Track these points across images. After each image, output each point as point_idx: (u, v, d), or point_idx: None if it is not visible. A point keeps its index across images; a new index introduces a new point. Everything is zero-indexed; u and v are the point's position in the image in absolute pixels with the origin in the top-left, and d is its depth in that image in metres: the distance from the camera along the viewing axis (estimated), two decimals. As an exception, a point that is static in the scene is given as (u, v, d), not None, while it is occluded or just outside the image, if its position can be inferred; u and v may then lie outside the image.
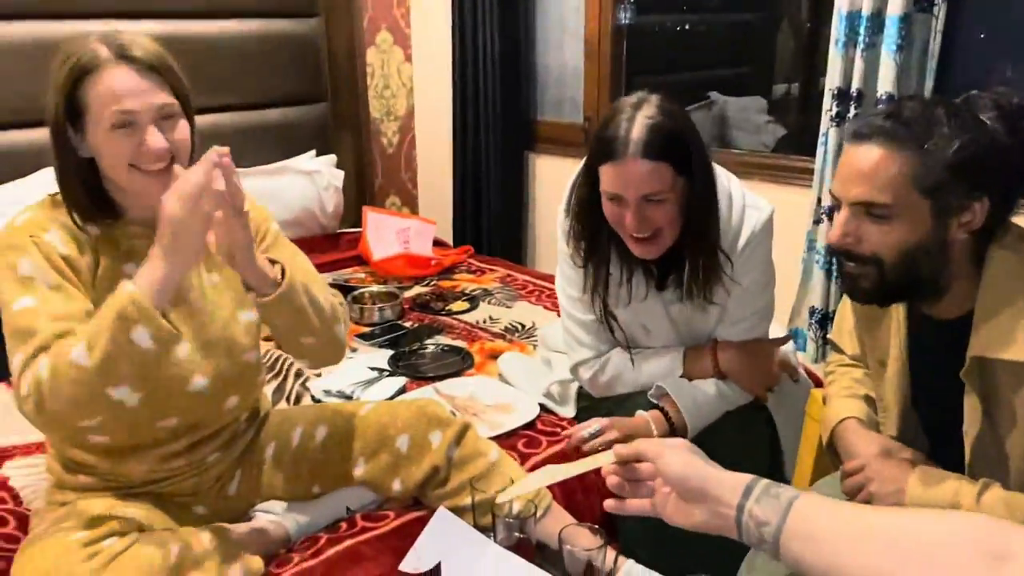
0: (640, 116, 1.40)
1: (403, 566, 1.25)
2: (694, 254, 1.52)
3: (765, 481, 0.88)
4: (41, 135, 1.27)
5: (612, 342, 1.66)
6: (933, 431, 1.28)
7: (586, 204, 1.52)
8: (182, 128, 1.24)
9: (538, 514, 1.40)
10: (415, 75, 3.59)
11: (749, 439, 1.65)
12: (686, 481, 0.91)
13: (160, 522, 1.29)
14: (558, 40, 3.21)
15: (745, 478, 0.89)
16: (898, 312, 1.26)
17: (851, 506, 0.85)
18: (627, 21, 3.04)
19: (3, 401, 1.91)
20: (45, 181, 2.08)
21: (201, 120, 3.03)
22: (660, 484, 0.95)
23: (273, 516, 1.45)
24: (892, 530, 0.78)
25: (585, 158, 1.52)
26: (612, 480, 0.99)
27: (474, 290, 2.64)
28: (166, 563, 1.20)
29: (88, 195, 1.25)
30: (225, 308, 1.36)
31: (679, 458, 0.93)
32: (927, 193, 1.09)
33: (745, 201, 1.57)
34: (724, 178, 1.55)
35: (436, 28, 3.36)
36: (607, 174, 1.43)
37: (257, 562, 1.31)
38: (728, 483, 0.89)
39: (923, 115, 1.10)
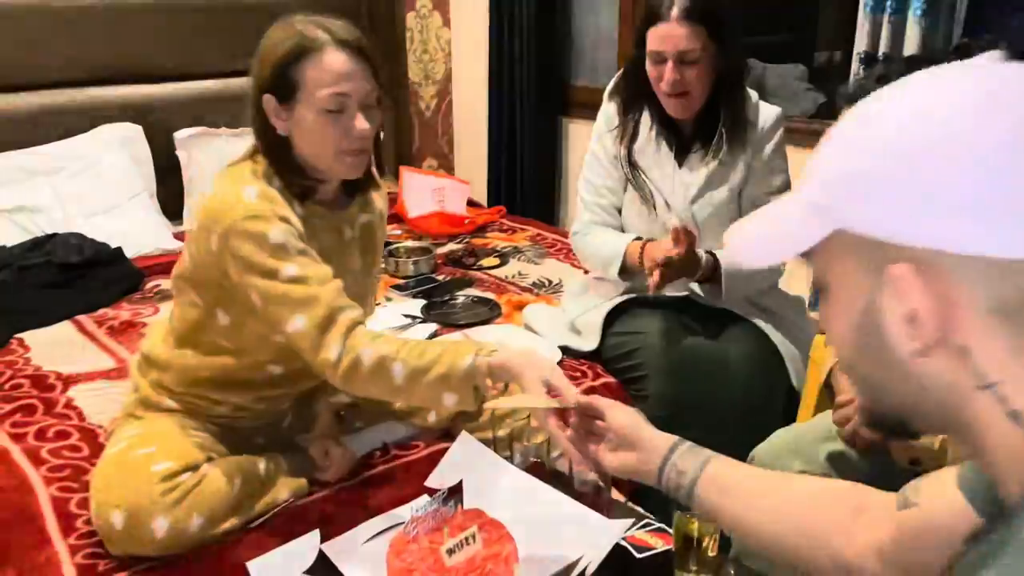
0: None
1: (428, 482, 1.38)
2: (722, 119, 1.76)
3: (689, 443, 1.02)
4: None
5: (614, 218, 1.92)
6: None
7: (632, 66, 1.79)
8: (378, 116, 1.33)
9: (552, 453, 1.51)
10: (453, 40, 3.67)
11: (768, 382, 1.78)
12: (626, 429, 1.06)
13: (226, 449, 1.42)
14: (593, 4, 3.26)
15: (673, 438, 1.03)
16: None
17: (754, 469, 1.05)
18: (662, -14, 3.08)
19: (68, 337, 2.08)
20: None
21: (243, 80, 3.21)
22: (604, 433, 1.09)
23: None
24: (782, 490, 0.96)
25: (637, 26, 1.78)
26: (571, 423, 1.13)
27: (505, 247, 2.74)
28: (231, 493, 1.33)
29: (292, 173, 1.32)
30: (364, 285, 1.52)
31: (625, 413, 1.09)
32: None
33: (760, 104, 1.84)
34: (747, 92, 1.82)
35: (474, -7, 3.44)
36: (652, 35, 1.70)
37: (302, 483, 1.44)
38: (660, 439, 1.04)
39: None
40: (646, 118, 1.84)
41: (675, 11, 1.67)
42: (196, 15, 3.01)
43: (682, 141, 1.84)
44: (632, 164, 1.86)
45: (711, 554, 1.19)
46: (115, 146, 2.78)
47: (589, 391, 1.80)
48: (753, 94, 1.85)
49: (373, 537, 1.29)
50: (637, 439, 1.05)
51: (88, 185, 2.67)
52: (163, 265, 2.52)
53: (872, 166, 0.55)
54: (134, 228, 2.65)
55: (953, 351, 0.54)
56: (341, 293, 1.28)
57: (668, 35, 1.68)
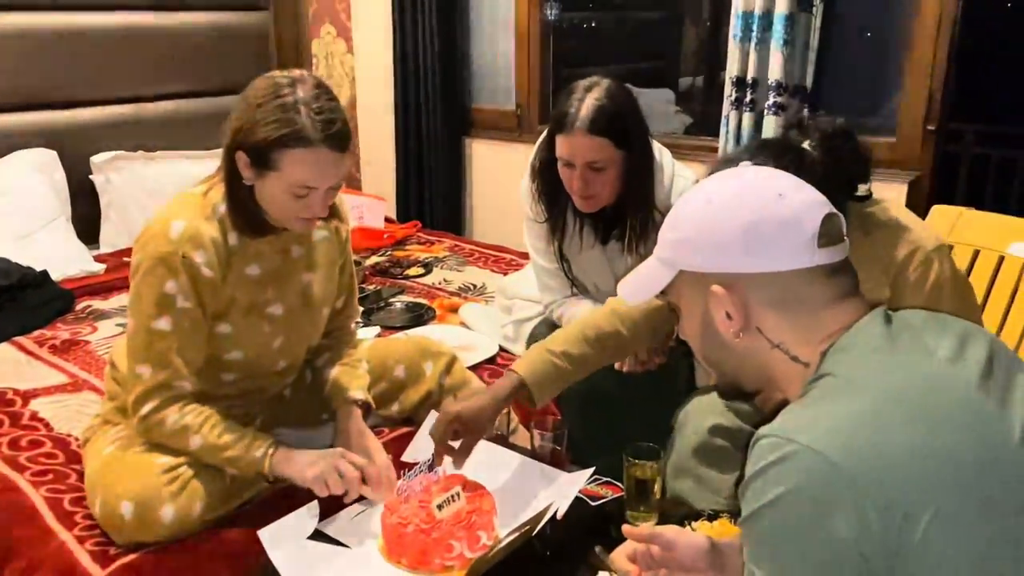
0: (589, 97, 1.69)
1: (404, 457, 1.53)
2: (632, 211, 1.82)
3: None
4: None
5: (573, 287, 1.95)
6: None
7: (547, 165, 1.81)
8: (341, 187, 1.42)
9: (509, 429, 1.70)
10: (356, 66, 3.80)
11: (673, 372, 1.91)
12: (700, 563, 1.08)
13: None
14: (492, 33, 3.48)
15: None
16: None
17: None
18: (553, 17, 3.35)
19: (11, 357, 2.08)
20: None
21: (159, 107, 3.26)
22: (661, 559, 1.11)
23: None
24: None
25: (547, 129, 1.81)
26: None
27: (427, 258, 2.90)
28: (225, 481, 1.43)
29: (247, 217, 1.41)
30: (317, 304, 1.58)
31: (694, 545, 1.09)
32: None
33: (675, 171, 1.89)
34: (658, 152, 1.86)
35: (376, 21, 3.58)
36: (560, 143, 1.72)
37: None
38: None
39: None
40: (570, 209, 1.86)
41: (580, 123, 1.66)
42: (110, 40, 3.02)
43: (604, 227, 1.87)
44: (563, 258, 1.90)
45: (656, 495, 1.41)
46: (30, 172, 2.75)
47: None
48: (667, 165, 1.86)
49: (361, 512, 1.43)
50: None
51: (3, 211, 2.63)
52: (91, 287, 2.54)
53: (692, 235, 0.94)
54: (53, 253, 2.63)
55: (753, 331, 0.92)
56: (187, 364, 1.41)
57: (574, 145, 1.68)
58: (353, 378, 1.61)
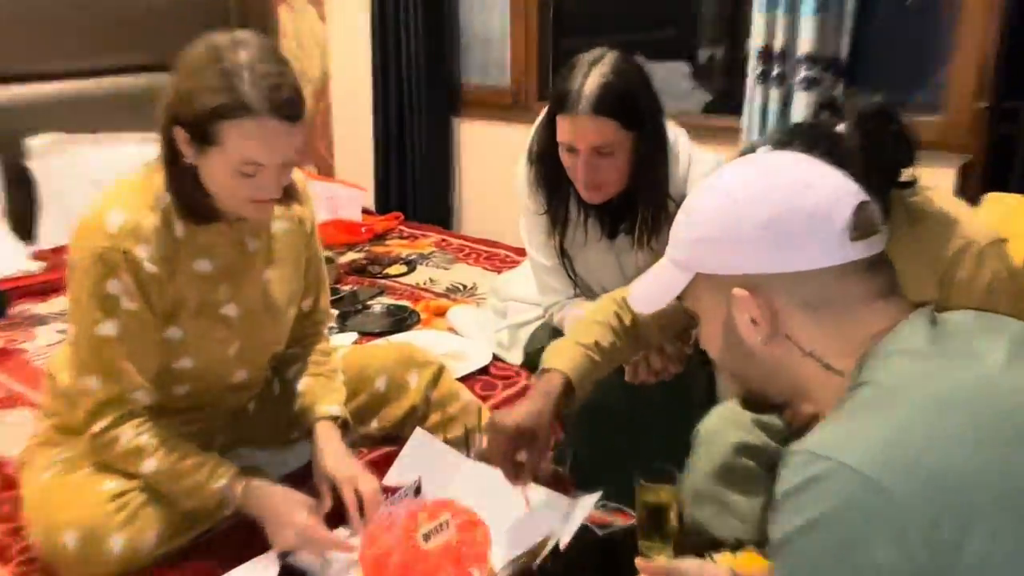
0: (594, 73, 1.68)
1: (386, 481, 1.53)
2: (644, 202, 1.81)
3: None
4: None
5: (576, 287, 1.95)
6: None
7: (547, 149, 1.80)
8: (294, 165, 1.41)
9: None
10: (330, 36, 3.80)
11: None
12: None
13: None
14: (484, 0, 3.48)
15: None
16: None
17: None
18: (553, -20, 3.35)
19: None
20: None
21: (115, 81, 3.23)
22: None
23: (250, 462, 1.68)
24: None
25: (547, 108, 1.80)
26: None
27: (409, 255, 2.91)
28: (181, 512, 1.42)
29: (193, 202, 1.40)
30: (279, 304, 1.57)
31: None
32: None
33: (692, 156, 1.88)
34: (672, 134, 1.85)
35: (352, -14, 3.60)
36: (562, 125, 1.71)
37: None
38: None
39: None
40: (572, 199, 1.85)
41: (584, 104, 1.65)
42: (45, 9, 3.00)
43: (612, 220, 1.86)
44: (565, 254, 1.90)
45: (672, 523, 1.41)
46: (-45, 158, 2.75)
47: (522, 391, 2.01)
48: (683, 149, 1.85)
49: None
50: None
51: (-75, 202, 2.64)
52: (27, 288, 2.53)
53: (709, 234, 0.94)
54: (-16, 250, 2.63)
55: (782, 337, 0.93)
56: (140, 372, 1.41)
57: (578, 128, 1.67)
58: (328, 391, 1.61)
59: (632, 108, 1.70)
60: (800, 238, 0.90)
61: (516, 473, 1.37)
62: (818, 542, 0.80)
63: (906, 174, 1.36)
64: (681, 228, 0.99)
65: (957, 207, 1.44)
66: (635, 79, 1.73)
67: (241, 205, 1.39)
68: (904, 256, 1.37)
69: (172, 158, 1.37)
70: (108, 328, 1.37)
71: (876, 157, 1.27)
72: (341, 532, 1.43)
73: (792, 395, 1.00)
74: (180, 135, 1.34)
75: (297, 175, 1.60)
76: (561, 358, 1.45)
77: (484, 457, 1.38)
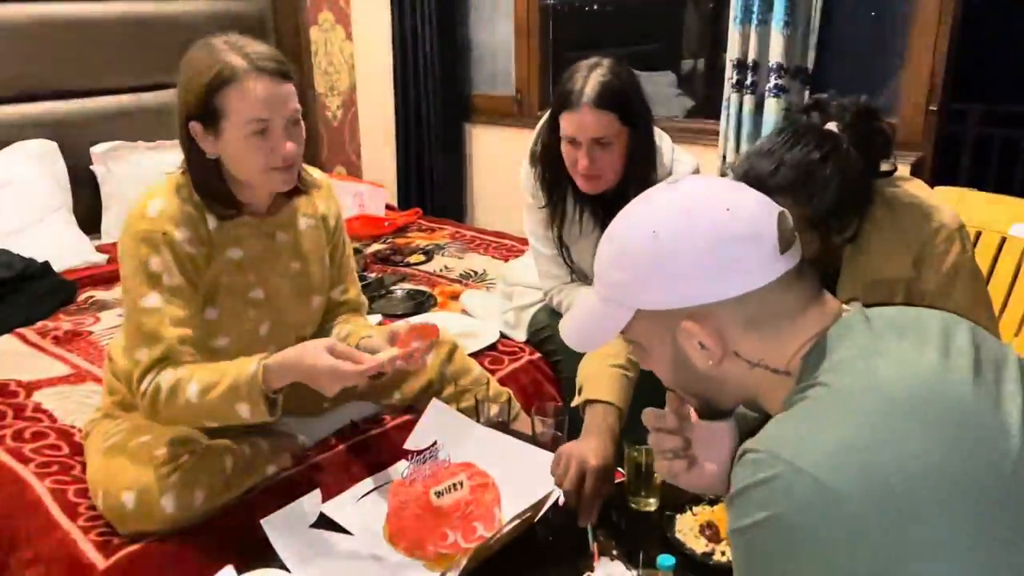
0: (594, 75, 1.69)
1: (407, 445, 1.52)
2: (635, 194, 1.78)
3: None
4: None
5: (572, 274, 1.95)
6: None
7: (549, 148, 1.80)
8: (303, 131, 1.38)
9: (511, 416, 1.69)
10: (356, 53, 3.78)
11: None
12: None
13: (207, 437, 1.49)
14: (491, 18, 3.45)
15: None
16: None
17: None
18: (552, 1, 3.32)
19: (13, 348, 2.08)
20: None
21: (158, 96, 3.23)
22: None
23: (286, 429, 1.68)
24: None
25: (549, 110, 1.79)
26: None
27: (427, 245, 2.90)
28: (225, 470, 1.43)
29: (218, 192, 1.39)
30: (304, 291, 1.55)
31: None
32: (815, 227, 1.25)
33: (674, 156, 1.88)
34: (657, 136, 1.85)
35: (375, 7, 3.56)
36: (565, 120, 1.71)
37: (285, 458, 1.55)
38: None
39: (802, 165, 1.21)
40: (570, 194, 1.86)
41: (586, 98, 1.67)
42: (109, 29, 3.00)
43: (605, 213, 1.85)
44: (563, 244, 1.90)
45: (656, 481, 1.40)
46: (31, 162, 2.74)
47: (526, 366, 2.01)
48: (667, 150, 1.86)
49: (365, 495, 1.43)
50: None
51: (5, 202, 2.63)
52: (92, 277, 2.54)
53: (643, 275, 0.86)
54: (54, 243, 2.62)
55: (731, 355, 0.87)
56: (185, 339, 1.36)
57: (581, 121, 1.68)
58: (367, 329, 1.58)
59: (628, 105, 1.71)
60: (737, 263, 0.83)
61: (591, 510, 1.28)
62: (769, 540, 0.75)
63: (885, 165, 1.34)
64: (611, 269, 0.90)
65: (929, 195, 1.42)
66: (629, 81, 1.74)
67: (262, 176, 1.37)
68: (884, 238, 1.36)
69: (196, 156, 1.37)
70: (152, 300, 1.35)
71: (867, 154, 1.25)
72: (360, 487, 1.42)
73: (743, 400, 0.94)
74: (196, 129, 1.34)
75: (323, 178, 1.60)
76: (602, 387, 1.41)
77: (568, 497, 1.29)
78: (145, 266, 1.35)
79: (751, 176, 1.22)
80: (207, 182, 1.39)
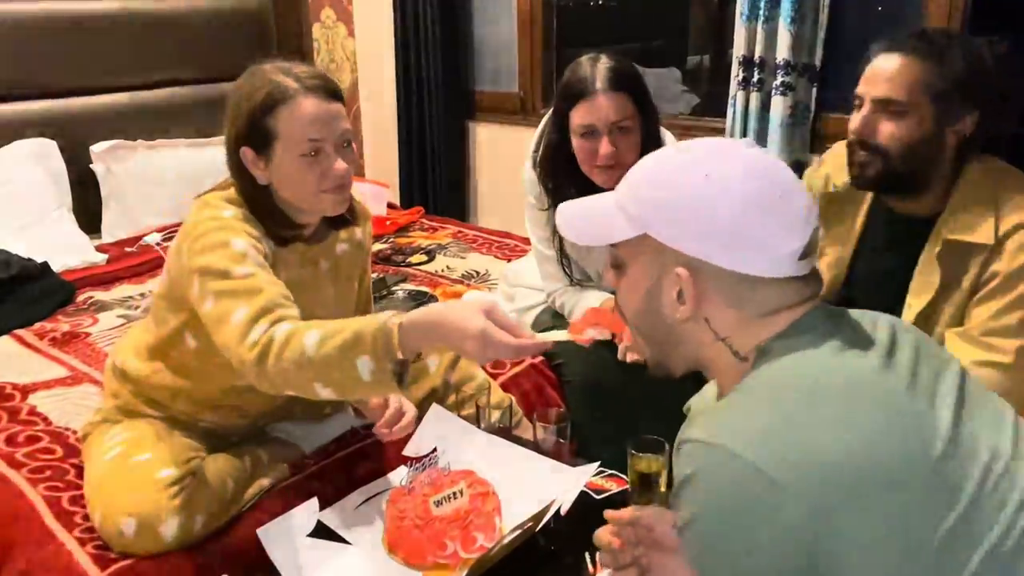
0: (601, 62, 1.67)
1: (406, 451, 1.50)
2: None
3: None
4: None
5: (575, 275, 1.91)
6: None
7: (552, 150, 1.76)
8: (353, 154, 1.36)
9: (512, 422, 1.66)
10: (358, 50, 3.75)
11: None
12: None
13: (207, 448, 1.47)
14: (494, 15, 3.42)
15: None
16: (863, 207, 1.54)
17: None
18: (556, -3, 3.28)
19: (10, 350, 2.06)
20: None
21: (168, 92, 3.21)
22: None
23: (286, 436, 1.65)
24: None
25: (552, 108, 1.75)
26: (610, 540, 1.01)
27: (429, 245, 2.87)
28: (227, 491, 1.39)
29: (273, 221, 1.35)
30: (331, 313, 1.43)
31: None
32: (935, 99, 1.34)
33: None
34: (662, 133, 1.82)
35: (377, 4, 3.52)
36: (579, 112, 1.66)
37: (283, 469, 1.52)
38: None
39: (943, 36, 1.37)
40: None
41: (600, 83, 1.63)
42: (108, 27, 2.97)
43: None
44: (565, 254, 1.86)
45: (661, 489, 1.38)
46: (29, 162, 2.72)
47: (528, 371, 1.97)
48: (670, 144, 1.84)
49: (364, 502, 1.40)
50: None
51: (4, 202, 2.61)
52: (91, 278, 2.51)
53: (675, 206, 0.85)
54: (54, 243, 2.60)
55: (701, 320, 0.87)
56: (288, 296, 1.26)
57: (598, 108, 1.64)
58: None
59: (640, 88, 1.69)
60: (759, 244, 0.84)
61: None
62: (712, 527, 0.78)
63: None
64: (645, 185, 0.89)
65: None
66: (634, 68, 1.72)
67: (314, 199, 1.33)
68: (979, 199, 1.36)
69: (247, 185, 1.34)
70: (244, 268, 1.24)
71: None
72: (357, 496, 1.40)
73: (694, 368, 0.94)
74: (247, 155, 1.31)
75: (367, 210, 1.58)
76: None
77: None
78: (229, 247, 1.26)
79: (893, 39, 1.38)
80: (262, 210, 1.35)
